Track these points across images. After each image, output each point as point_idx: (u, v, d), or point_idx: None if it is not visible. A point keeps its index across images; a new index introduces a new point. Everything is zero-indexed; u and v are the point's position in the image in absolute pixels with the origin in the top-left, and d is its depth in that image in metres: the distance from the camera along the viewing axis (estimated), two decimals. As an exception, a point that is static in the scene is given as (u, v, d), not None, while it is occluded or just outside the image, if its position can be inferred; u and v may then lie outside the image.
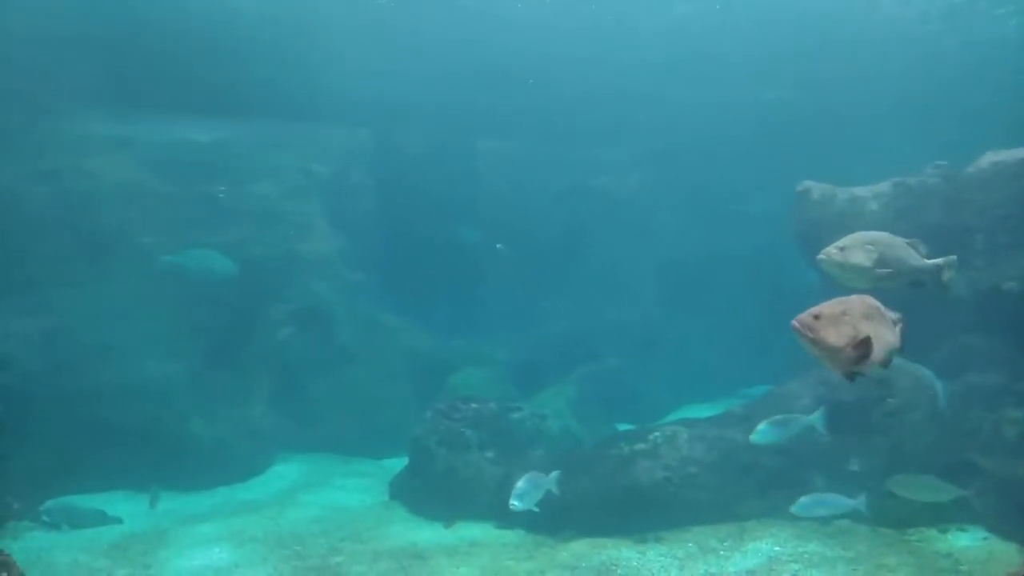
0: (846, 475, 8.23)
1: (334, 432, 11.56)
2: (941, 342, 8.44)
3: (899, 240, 5.31)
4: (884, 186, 9.14)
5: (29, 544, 8.24)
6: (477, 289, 14.02)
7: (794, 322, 3.75)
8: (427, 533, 8.62)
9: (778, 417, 7.69)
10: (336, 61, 12.13)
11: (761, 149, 13.48)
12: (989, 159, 8.63)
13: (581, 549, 7.84)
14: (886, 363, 3.96)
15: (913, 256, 5.35)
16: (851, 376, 3.87)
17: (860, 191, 9.22)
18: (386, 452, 11.10)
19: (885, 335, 3.92)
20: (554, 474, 7.66)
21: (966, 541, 7.45)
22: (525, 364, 12.63)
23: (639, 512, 8.02)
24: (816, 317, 3.74)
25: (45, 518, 8.72)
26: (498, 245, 13.55)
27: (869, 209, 8.95)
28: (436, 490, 9.19)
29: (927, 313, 8.35)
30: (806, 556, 7.42)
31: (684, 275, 14.21)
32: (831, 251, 5.08)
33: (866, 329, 3.78)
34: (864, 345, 3.75)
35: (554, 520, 8.18)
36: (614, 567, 7.45)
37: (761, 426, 7.59)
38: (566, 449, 9.67)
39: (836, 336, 3.73)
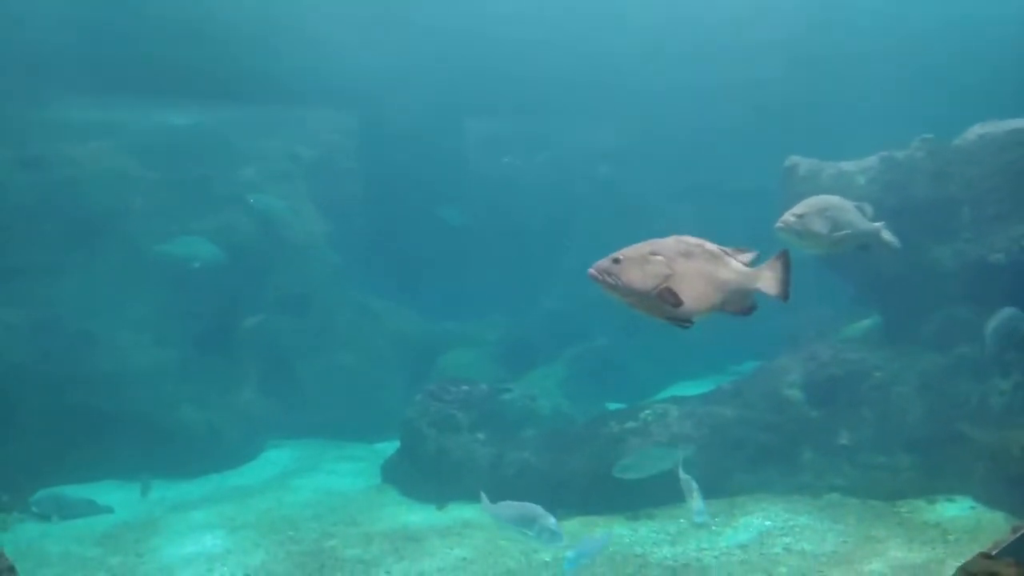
0: (835, 449, 8.29)
1: (325, 417, 11.52)
2: (930, 315, 8.49)
3: (849, 204, 5.43)
4: (871, 160, 9.11)
5: (19, 535, 8.21)
6: (466, 270, 13.95)
7: (591, 269, 3.30)
8: (420, 515, 8.63)
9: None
10: (321, 43, 11.98)
11: (751, 127, 13.41)
12: (976, 131, 8.61)
13: (573, 527, 7.87)
14: (740, 308, 3.44)
15: (861, 220, 5.46)
16: (681, 322, 3.32)
17: (847, 166, 9.19)
18: (377, 435, 11.07)
19: (718, 274, 3.35)
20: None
21: (954, 511, 7.52)
22: (515, 345, 12.61)
23: (630, 490, 8.02)
24: (616, 260, 3.27)
25: (35, 509, 8.66)
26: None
27: (856, 183, 8.92)
28: (428, 472, 9.19)
29: (916, 287, 8.46)
30: (796, 529, 7.48)
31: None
32: (789, 219, 5.14)
33: (683, 269, 3.27)
34: (671, 294, 3.23)
35: (546, 499, 8.17)
36: (607, 544, 7.48)
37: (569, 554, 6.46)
38: (557, 429, 9.68)
39: (642, 278, 3.22)
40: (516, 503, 6.61)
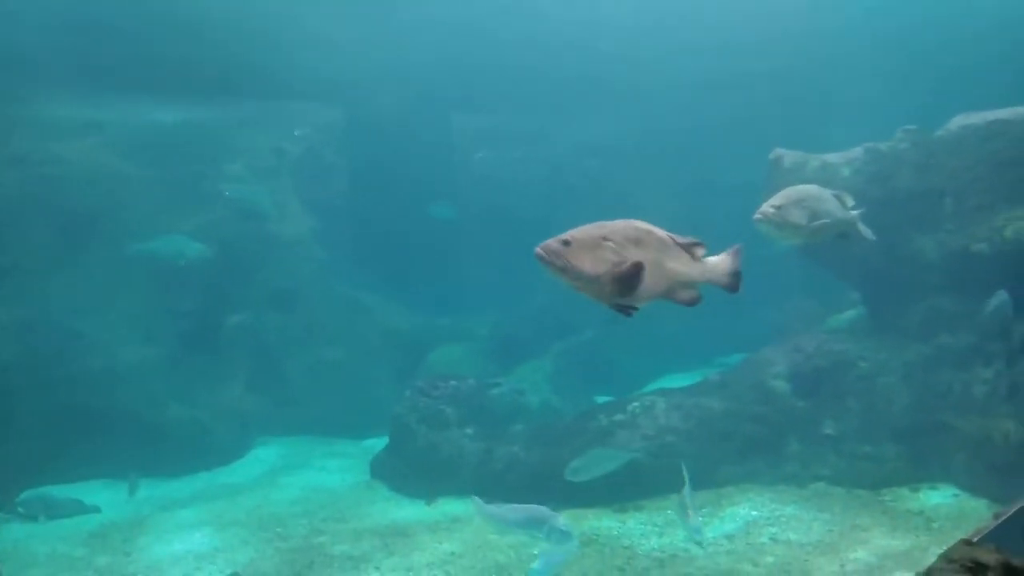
0: (821, 439, 8.36)
1: (313, 413, 11.50)
2: (914, 305, 8.55)
3: (827, 193, 5.43)
4: (856, 152, 9.15)
5: (5, 536, 8.17)
6: (455, 266, 13.94)
7: (538, 249, 3.17)
8: (409, 510, 8.64)
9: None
10: (305, 37, 11.92)
11: (739, 121, 13.43)
12: (958, 122, 8.66)
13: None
14: (685, 299, 3.45)
15: (839, 209, 5.47)
16: (625, 311, 3.33)
17: (832, 157, 9.23)
18: (366, 432, 11.06)
19: (666, 264, 3.36)
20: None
21: (937, 499, 7.60)
22: (504, 340, 12.61)
23: (618, 482, 8.08)
24: (566, 243, 3.19)
25: (21, 509, 8.61)
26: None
27: (841, 175, 8.96)
28: (417, 468, 9.20)
29: (900, 278, 8.52)
30: (783, 519, 7.54)
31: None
32: (767, 210, 5.13)
33: (635, 256, 3.25)
34: (633, 272, 3.21)
35: (535, 493, 8.21)
36: (595, 537, 7.53)
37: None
38: (545, 423, 9.70)
39: (592, 263, 3.18)
40: (519, 505, 6.51)
